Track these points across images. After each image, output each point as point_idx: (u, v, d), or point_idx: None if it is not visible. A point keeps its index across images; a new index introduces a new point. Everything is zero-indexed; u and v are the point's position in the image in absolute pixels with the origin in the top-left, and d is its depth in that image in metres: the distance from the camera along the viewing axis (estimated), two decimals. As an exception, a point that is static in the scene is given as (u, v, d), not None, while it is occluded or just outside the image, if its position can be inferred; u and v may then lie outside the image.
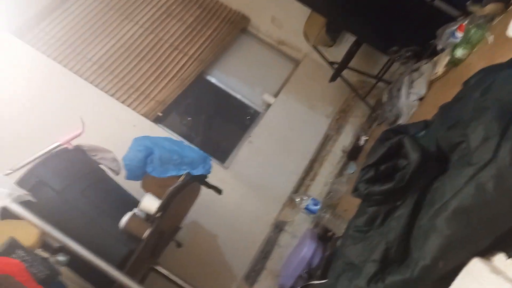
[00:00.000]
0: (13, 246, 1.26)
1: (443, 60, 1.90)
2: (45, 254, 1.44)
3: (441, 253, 0.83)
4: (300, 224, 2.48)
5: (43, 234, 1.38)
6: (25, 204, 1.28)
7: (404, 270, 0.89)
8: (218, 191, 2.03)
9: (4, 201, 1.12)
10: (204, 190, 2.04)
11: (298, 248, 2.02)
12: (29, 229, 1.38)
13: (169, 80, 2.85)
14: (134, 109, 2.67)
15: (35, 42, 2.72)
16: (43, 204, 1.53)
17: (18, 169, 1.55)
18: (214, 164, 2.10)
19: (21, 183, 1.47)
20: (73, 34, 2.82)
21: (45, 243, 1.47)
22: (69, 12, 2.88)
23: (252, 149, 2.75)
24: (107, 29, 2.90)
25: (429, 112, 1.52)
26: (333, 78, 2.68)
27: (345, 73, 2.70)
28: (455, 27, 1.84)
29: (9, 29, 2.65)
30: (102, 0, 2.98)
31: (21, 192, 1.21)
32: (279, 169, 2.70)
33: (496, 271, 0.81)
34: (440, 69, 1.89)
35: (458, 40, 1.76)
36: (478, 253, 0.83)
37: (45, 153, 1.62)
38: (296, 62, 3.27)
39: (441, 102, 1.29)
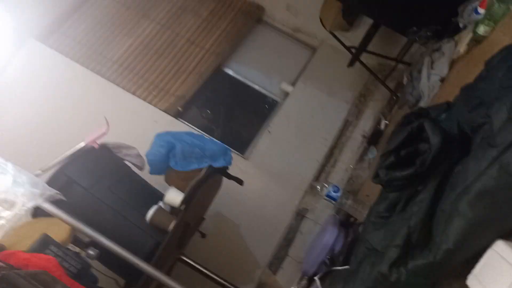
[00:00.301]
0: (46, 242, 1.32)
1: (465, 38, 1.83)
2: (76, 249, 1.50)
3: (464, 237, 0.82)
4: (322, 211, 2.48)
5: (74, 230, 1.44)
6: (56, 202, 1.34)
7: (426, 254, 0.89)
8: (240, 181, 2.06)
9: (36, 201, 1.18)
10: (226, 181, 2.07)
11: (320, 234, 2.03)
12: (60, 225, 1.44)
13: (188, 75, 2.89)
14: (155, 105, 2.72)
15: (57, 45, 2.80)
16: (73, 201, 1.59)
17: (48, 169, 1.62)
18: (235, 156, 2.12)
19: (51, 182, 1.54)
20: (93, 35, 2.88)
21: (76, 238, 1.53)
22: (88, 14, 2.94)
23: (271, 139, 2.76)
24: (125, 28, 2.95)
25: (451, 93, 1.48)
26: (351, 63, 2.64)
27: (364, 57, 2.65)
28: (477, 3, 1.77)
29: (32, 34, 2.74)
30: (119, 1, 3.03)
31: (52, 192, 1.26)
32: (299, 157, 2.70)
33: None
34: (462, 48, 1.82)
35: (480, 16, 1.69)
36: (501, 235, 0.81)
37: (73, 153, 1.68)
38: (313, 49, 3.23)
39: (464, 83, 1.25)
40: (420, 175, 1.00)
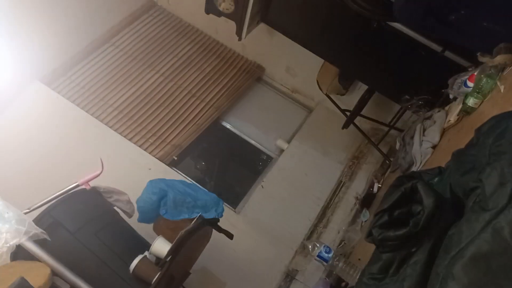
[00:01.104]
0: (22, 287, 1.25)
1: (456, 108, 1.91)
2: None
3: (459, 302, 0.80)
4: (313, 273, 2.40)
5: (53, 274, 1.37)
6: (40, 242, 1.30)
7: (421, 320, 0.85)
8: (230, 235, 2.01)
9: (20, 239, 1.14)
10: (215, 235, 2.02)
11: (311, 298, 1.94)
12: (39, 270, 1.38)
13: (186, 125, 2.94)
14: (150, 152, 2.74)
15: (61, 89, 2.88)
16: (57, 244, 1.53)
17: (36, 208, 1.59)
18: (226, 209, 2.09)
19: (37, 222, 1.49)
20: (97, 82, 2.97)
21: (53, 286, 1.45)
22: (95, 62, 3.06)
23: (264, 194, 2.75)
24: (129, 77, 3.06)
25: (442, 159, 1.52)
26: (345, 125, 2.72)
27: (358, 120, 2.74)
28: (466, 77, 1.88)
29: (38, 77, 2.83)
30: (126, 51, 3.17)
31: (38, 230, 1.23)
32: (291, 215, 2.66)
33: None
34: (452, 117, 1.90)
35: (469, 90, 1.78)
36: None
37: (63, 192, 1.66)
38: (309, 110, 3.34)
39: (454, 149, 1.29)
40: (414, 236, 0.99)
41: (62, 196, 1.68)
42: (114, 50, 3.15)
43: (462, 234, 0.86)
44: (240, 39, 2.56)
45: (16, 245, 1.18)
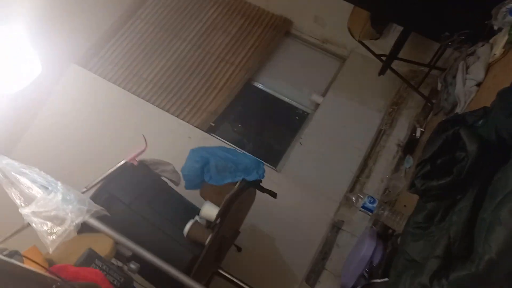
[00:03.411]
0: (91, 257, 1.38)
1: (501, 40, 1.77)
2: (119, 263, 1.57)
3: (507, 246, 0.79)
4: (359, 223, 2.43)
5: (116, 244, 1.50)
6: (100, 218, 1.42)
7: (468, 265, 0.86)
8: (273, 194, 2.07)
9: (84, 217, 1.25)
10: (259, 194, 2.09)
11: (357, 247, 1.99)
12: (103, 241, 1.52)
13: (219, 91, 2.96)
14: (188, 121, 2.81)
15: (96, 69, 2.98)
16: (115, 216, 1.66)
17: (92, 186, 1.71)
18: (267, 169, 2.14)
19: (94, 199, 1.62)
20: (129, 58, 3.03)
21: (118, 253, 1.60)
22: (123, 38, 3.11)
23: (303, 151, 2.76)
24: (158, 49, 3.08)
25: (488, 98, 1.43)
26: (382, 71, 2.61)
27: (395, 64, 2.62)
28: (511, 4, 1.72)
29: (73, 60, 2.93)
30: (152, 23, 3.18)
31: (97, 208, 1.34)
32: (333, 169, 2.67)
33: None
34: (498, 51, 1.77)
35: (516, 18, 1.64)
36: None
37: (114, 170, 1.77)
38: (342, 59, 3.22)
39: (501, 87, 1.22)
40: (458, 184, 0.97)
41: (113, 172, 1.79)
42: (141, 23, 3.17)
43: (508, 179, 0.84)
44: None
45: (82, 222, 1.30)
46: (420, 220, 1.07)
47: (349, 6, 2.60)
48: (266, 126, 3.33)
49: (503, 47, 1.71)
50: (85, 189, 1.67)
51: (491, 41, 1.90)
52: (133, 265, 1.53)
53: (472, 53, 1.98)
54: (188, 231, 1.73)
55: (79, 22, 2.85)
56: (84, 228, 1.55)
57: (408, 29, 2.45)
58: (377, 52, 2.66)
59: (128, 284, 1.44)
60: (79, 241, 1.54)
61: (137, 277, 1.64)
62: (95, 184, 1.70)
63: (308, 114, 3.08)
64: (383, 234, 1.97)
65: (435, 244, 0.97)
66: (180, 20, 3.20)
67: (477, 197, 0.92)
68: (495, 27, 1.84)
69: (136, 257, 1.53)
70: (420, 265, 1.02)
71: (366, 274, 1.73)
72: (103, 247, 1.51)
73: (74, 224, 1.18)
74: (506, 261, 0.80)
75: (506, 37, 1.67)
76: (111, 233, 1.39)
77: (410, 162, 2.46)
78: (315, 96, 3.00)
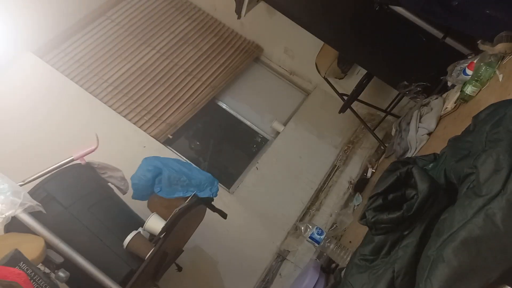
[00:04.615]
0: (16, 259, 1.25)
1: (453, 96, 1.91)
2: (46, 270, 1.43)
3: (448, 284, 0.81)
4: (304, 254, 2.44)
5: (46, 249, 1.38)
6: (34, 215, 1.29)
7: (410, 301, 0.87)
8: (223, 215, 2.02)
9: (15, 211, 1.13)
10: (208, 214, 2.03)
11: (300, 278, 1.98)
12: (33, 243, 1.39)
13: (181, 104, 2.91)
14: (145, 130, 2.72)
15: (55, 62, 2.82)
16: (50, 217, 1.53)
17: (30, 181, 1.58)
18: (220, 189, 2.10)
19: (31, 195, 1.49)
20: (92, 56, 2.92)
21: (47, 258, 1.46)
22: (90, 35, 2.99)
23: (258, 176, 2.76)
24: (125, 53, 3.00)
25: (438, 146, 1.52)
26: (342, 110, 2.71)
27: (355, 105, 2.74)
28: (465, 65, 1.87)
29: (31, 49, 2.76)
30: (122, 26, 3.10)
31: (33, 203, 1.22)
32: (285, 197, 2.69)
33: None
34: (450, 105, 1.90)
35: (468, 77, 1.78)
36: (485, 285, 0.81)
37: (58, 166, 1.65)
38: (306, 92, 3.32)
39: (450, 137, 1.30)
40: (407, 219, 1.00)
41: (56, 170, 1.67)
42: (110, 24, 3.08)
43: (454, 219, 0.88)
44: (239, 17, 2.51)
45: (11, 217, 1.17)
46: (367, 252, 1.09)
47: (319, 44, 2.72)
48: (224, 146, 3.30)
49: (455, 102, 1.84)
50: (22, 183, 1.53)
51: (444, 95, 2.05)
52: (62, 273, 1.40)
53: (426, 104, 2.12)
54: (129, 243, 1.63)
55: (44, 11, 2.72)
56: (14, 225, 1.41)
57: (371, 73, 2.59)
58: (340, 91, 2.78)
59: (53, 293, 1.31)
60: (5, 241, 1.40)
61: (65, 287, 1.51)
62: (34, 179, 1.57)
63: (267, 140, 3.10)
64: (327, 268, 1.98)
65: (379, 277, 0.98)
66: (152, 28, 3.16)
67: (423, 234, 0.96)
68: (449, 83, 1.99)
69: (66, 265, 1.41)
70: (362, 298, 1.02)
71: (306, 306, 1.71)
72: (31, 250, 1.37)
73: (3, 216, 1.06)
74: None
75: (458, 94, 1.81)
76: (43, 232, 1.27)
77: (359, 200, 2.53)
78: (277, 124, 3.04)
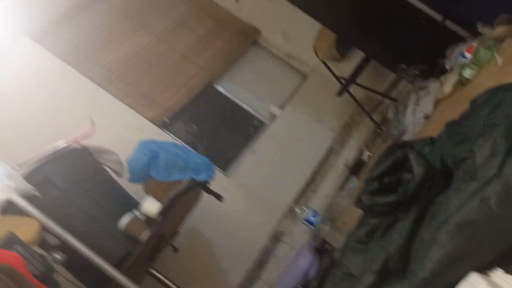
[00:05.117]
0: (12, 241, 1.26)
1: (451, 79, 1.90)
2: (42, 252, 1.44)
3: (441, 266, 0.82)
4: (299, 236, 2.46)
5: (42, 231, 1.38)
6: (30, 199, 1.29)
7: (402, 282, 0.89)
8: (219, 197, 2.03)
9: (10, 194, 1.13)
10: (204, 196, 2.04)
11: (295, 259, 2.00)
12: (29, 225, 1.39)
13: (178, 88, 2.89)
14: (141, 114, 2.70)
15: (51, 46, 2.77)
16: (47, 201, 1.54)
17: (25, 165, 1.56)
18: (217, 172, 2.10)
19: (27, 178, 1.48)
20: (89, 41, 2.88)
21: (43, 241, 1.47)
22: (87, 20, 2.95)
23: (255, 159, 2.76)
24: (122, 37, 2.96)
25: (434, 130, 1.52)
26: (340, 93, 2.70)
27: (353, 88, 2.72)
28: (464, 48, 1.86)
29: (28, 33, 2.72)
30: (119, 10, 3.05)
31: (28, 187, 1.21)
32: (281, 180, 2.69)
33: (494, 285, 0.80)
34: (447, 88, 1.89)
35: (467, 61, 1.76)
36: (476, 268, 0.82)
37: (53, 151, 1.64)
38: (304, 76, 3.30)
39: (447, 121, 1.29)
40: (402, 203, 1.01)
41: (53, 153, 1.66)
42: (107, 8, 3.02)
43: (450, 203, 0.88)
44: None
45: (7, 200, 1.17)
46: (362, 235, 1.10)
47: (317, 27, 2.68)
48: (221, 130, 3.29)
49: (452, 86, 1.83)
50: (17, 167, 1.52)
51: (442, 79, 2.04)
52: (58, 256, 1.42)
53: (424, 88, 2.10)
54: (126, 226, 1.64)
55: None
56: (10, 209, 1.41)
57: (369, 56, 2.57)
58: (338, 74, 2.76)
59: (49, 275, 1.32)
60: (1, 223, 1.40)
61: (62, 270, 1.52)
62: (29, 163, 1.56)
63: (264, 124, 3.09)
64: (321, 249, 2.00)
65: (373, 259, 0.99)
66: (150, 12, 3.10)
67: (418, 218, 0.96)
68: (447, 67, 1.97)
69: (63, 248, 1.42)
70: (356, 279, 1.04)
71: (300, 287, 1.74)
72: (27, 232, 1.37)
73: (-3, 200, 1.06)
74: (439, 280, 0.83)
75: (456, 77, 1.79)
76: (38, 215, 1.27)
77: (354, 183, 2.55)
78: (274, 108, 3.03)
